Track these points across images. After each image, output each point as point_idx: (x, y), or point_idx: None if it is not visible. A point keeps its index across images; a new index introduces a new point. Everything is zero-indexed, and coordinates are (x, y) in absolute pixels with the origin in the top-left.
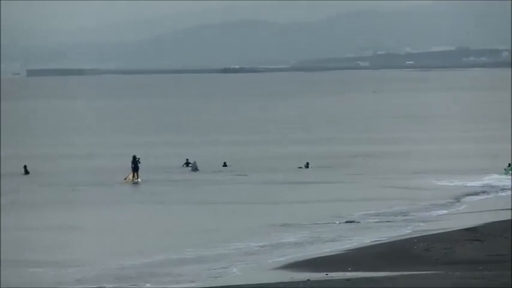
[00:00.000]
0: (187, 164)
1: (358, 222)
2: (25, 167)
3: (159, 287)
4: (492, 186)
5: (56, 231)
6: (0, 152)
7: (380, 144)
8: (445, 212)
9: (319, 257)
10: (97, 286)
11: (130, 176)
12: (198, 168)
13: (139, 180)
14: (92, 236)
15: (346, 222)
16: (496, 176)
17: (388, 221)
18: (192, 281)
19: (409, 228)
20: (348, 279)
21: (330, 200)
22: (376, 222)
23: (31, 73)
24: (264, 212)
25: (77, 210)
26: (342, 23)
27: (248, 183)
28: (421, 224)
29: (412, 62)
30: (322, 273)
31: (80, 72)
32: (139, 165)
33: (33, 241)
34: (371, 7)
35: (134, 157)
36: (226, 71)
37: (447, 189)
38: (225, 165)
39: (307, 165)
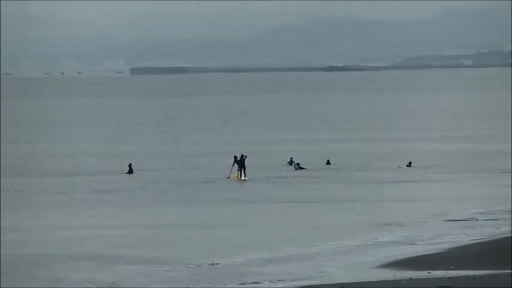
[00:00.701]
0: (291, 162)
1: (462, 220)
2: (130, 165)
3: (263, 286)
4: None
5: (157, 228)
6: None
7: (481, 143)
8: None
9: (422, 256)
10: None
11: (237, 174)
12: (303, 166)
13: (246, 178)
14: (191, 234)
15: (447, 220)
16: None
17: (490, 219)
18: (294, 279)
19: (508, 227)
20: (450, 278)
21: (432, 198)
22: (479, 220)
23: (135, 71)
24: (367, 211)
25: (179, 207)
26: (446, 20)
27: (351, 181)
28: None
29: None
30: (424, 271)
31: (184, 70)
32: (245, 163)
33: (134, 238)
34: (473, 5)
35: (242, 155)
36: (330, 69)
37: None
38: (328, 163)
39: (409, 164)
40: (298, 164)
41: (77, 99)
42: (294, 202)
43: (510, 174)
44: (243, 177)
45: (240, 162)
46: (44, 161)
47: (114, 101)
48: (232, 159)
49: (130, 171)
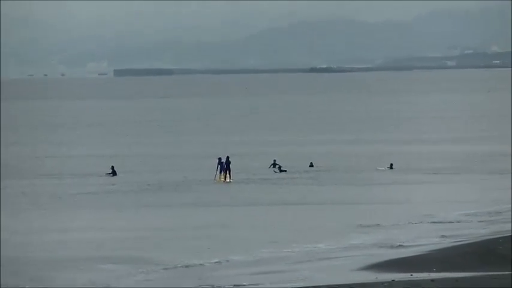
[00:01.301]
0: (274, 165)
1: (445, 222)
2: (112, 167)
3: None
4: None
5: (137, 231)
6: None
7: (467, 144)
8: None
9: (404, 258)
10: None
11: (221, 176)
12: (285, 169)
13: (231, 180)
14: (171, 236)
15: (432, 222)
16: None
17: (474, 221)
18: (277, 282)
19: (494, 228)
20: (432, 280)
21: (415, 200)
22: (461, 222)
23: (118, 73)
24: (349, 213)
25: (162, 210)
26: (430, 22)
27: (333, 183)
28: (507, 224)
29: (499, 62)
30: (407, 273)
31: (168, 72)
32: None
33: (113, 240)
34: (458, 7)
35: (227, 157)
36: (312, 70)
37: None
38: (311, 165)
39: (391, 167)
40: (279, 167)
41: (61, 101)
42: (276, 204)
43: (496, 175)
44: (227, 179)
45: (225, 164)
46: (26, 163)
47: (99, 103)
48: (217, 161)
49: (114, 173)
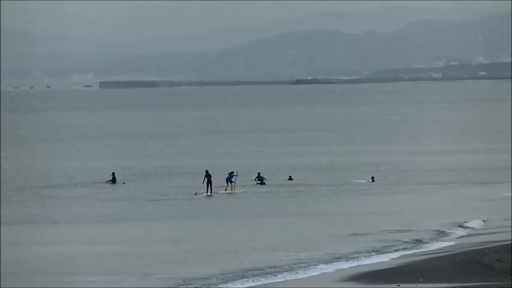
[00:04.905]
0: (259, 177)
1: (431, 232)
2: (113, 174)
3: None
4: None
5: (131, 243)
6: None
7: (447, 156)
8: None
9: (391, 268)
10: None
11: (203, 191)
12: (265, 182)
13: (211, 194)
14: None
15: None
16: None
17: (459, 232)
18: None
19: (480, 239)
20: None
21: (398, 211)
22: (447, 232)
23: (103, 85)
24: (333, 223)
25: (145, 224)
26: (415, 33)
27: (313, 196)
28: (493, 235)
29: (485, 73)
30: (393, 284)
31: (152, 84)
32: (212, 179)
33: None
34: (443, 17)
35: (206, 171)
36: (298, 82)
37: None
38: (290, 178)
39: (372, 179)
40: (261, 178)
41: (48, 113)
42: (260, 216)
43: (483, 186)
44: (208, 192)
45: (207, 178)
46: (20, 174)
47: (85, 115)
48: (227, 174)
49: (114, 180)
